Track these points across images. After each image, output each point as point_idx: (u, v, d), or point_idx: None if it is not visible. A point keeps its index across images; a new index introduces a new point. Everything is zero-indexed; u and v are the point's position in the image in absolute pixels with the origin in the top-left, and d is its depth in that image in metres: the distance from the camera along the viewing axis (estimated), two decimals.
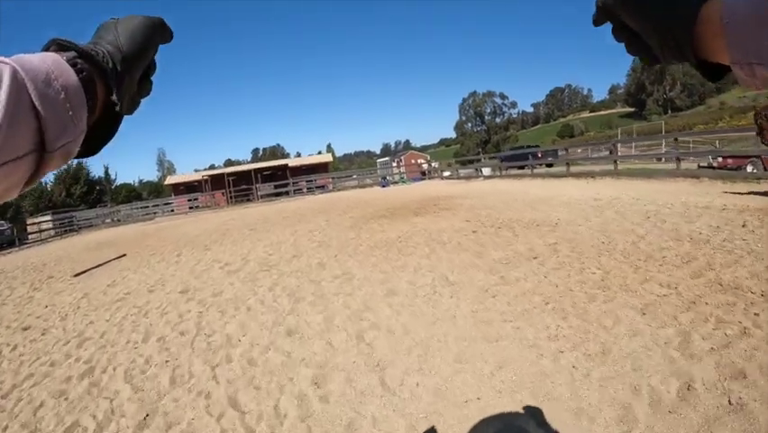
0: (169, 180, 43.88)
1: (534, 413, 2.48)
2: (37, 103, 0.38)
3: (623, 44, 0.58)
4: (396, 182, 28.84)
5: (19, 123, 0.36)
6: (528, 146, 38.04)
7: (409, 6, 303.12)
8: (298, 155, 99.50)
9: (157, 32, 0.58)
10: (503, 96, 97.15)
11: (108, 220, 33.34)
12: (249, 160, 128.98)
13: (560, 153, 33.52)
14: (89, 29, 0.58)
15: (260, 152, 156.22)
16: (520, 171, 23.70)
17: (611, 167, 18.79)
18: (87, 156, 0.52)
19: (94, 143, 0.51)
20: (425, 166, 35.39)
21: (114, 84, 0.50)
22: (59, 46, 0.47)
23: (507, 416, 2.50)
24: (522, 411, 2.52)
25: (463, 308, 3.99)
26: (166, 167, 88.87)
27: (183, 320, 4.77)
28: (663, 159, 21.02)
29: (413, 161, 48.80)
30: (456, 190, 16.15)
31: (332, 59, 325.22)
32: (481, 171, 25.12)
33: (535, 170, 20.88)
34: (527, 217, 8.06)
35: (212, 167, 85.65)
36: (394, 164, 43.66)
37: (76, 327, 5.43)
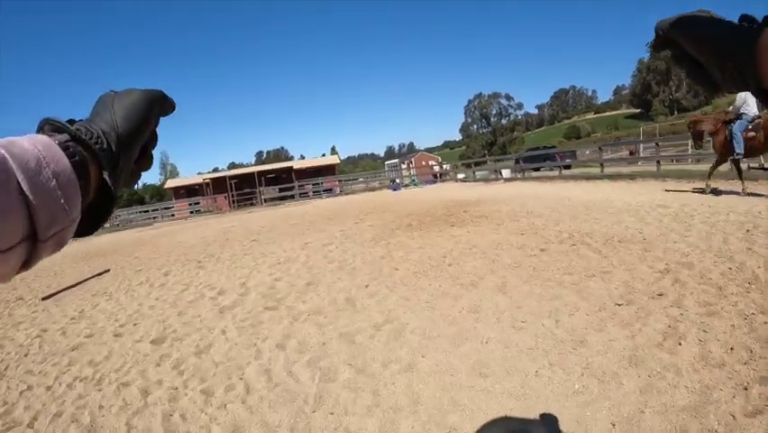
0: (170, 184, 42.30)
1: None
2: (27, 191, 0.36)
3: (683, 72, 0.56)
4: (407, 185, 27.17)
5: (7, 213, 0.35)
6: (545, 147, 36.37)
7: (412, 9, 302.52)
8: (302, 158, 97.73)
9: (155, 107, 0.55)
10: (509, 98, 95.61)
11: (107, 225, 31.82)
12: (253, 163, 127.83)
13: (577, 154, 32.31)
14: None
15: (264, 155, 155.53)
16: (545, 173, 22.17)
17: (652, 168, 17.17)
18: (83, 236, 0.49)
19: (89, 224, 0.48)
20: (437, 168, 33.72)
21: (108, 166, 0.47)
22: (51, 127, 0.45)
23: None
24: None
25: (625, 406, 2.32)
26: (168, 170, 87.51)
27: (147, 405, 3.06)
28: (690, 159, 19.36)
29: (423, 163, 47.16)
30: (479, 194, 14.52)
31: (335, 61, 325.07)
32: (501, 173, 23.45)
33: (563, 172, 19.29)
34: (597, 230, 6.44)
35: (215, 170, 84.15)
36: (404, 166, 41.86)
37: (9, 397, 3.77)
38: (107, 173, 0.47)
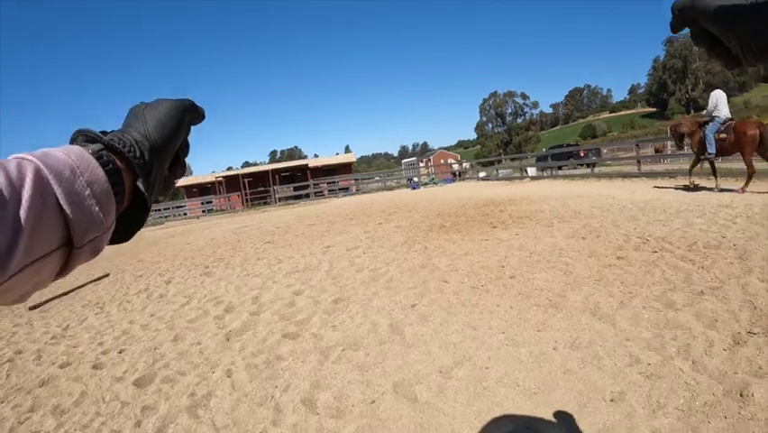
0: (182, 182, 41.51)
1: None
2: (62, 200, 0.37)
3: (703, 49, 0.56)
4: (426, 184, 26.04)
5: (45, 221, 0.36)
6: (568, 144, 35.19)
7: (426, 8, 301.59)
8: (316, 157, 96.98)
9: (186, 116, 0.55)
10: (524, 96, 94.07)
11: None
12: (266, 162, 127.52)
13: (602, 151, 31.10)
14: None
15: (278, 154, 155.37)
16: (573, 171, 21.06)
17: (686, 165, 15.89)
18: (119, 243, 0.50)
19: (124, 231, 0.49)
20: (456, 166, 32.55)
21: (141, 174, 0.47)
22: (85, 138, 0.46)
23: None
24: None
25: None
26: None
27: None
28: (720, 159, 18.15)
29: (442, 161, 45.88)
30: (510, 193, 13.43)
31: (350, 60, 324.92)
32: (526, 172, 22.29)
33: (595, 170, 18.08)
34: (670, 233, 5.47)
35: (229, 169, 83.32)
36: (422, 164, 40.63)
37: None
38: (141, 181, 0.47)
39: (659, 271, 4.12)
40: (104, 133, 0.47)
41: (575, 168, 23.02)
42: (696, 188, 9.36)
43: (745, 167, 8.43)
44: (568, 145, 33.68)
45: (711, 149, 8.74)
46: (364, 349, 3.14)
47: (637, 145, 16.32)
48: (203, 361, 3.39)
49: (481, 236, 6.56)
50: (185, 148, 0.58)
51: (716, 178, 9.04)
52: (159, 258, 9.89)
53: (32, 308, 6.78)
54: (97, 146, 0.44)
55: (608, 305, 3.44)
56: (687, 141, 9.67)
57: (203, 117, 0.59)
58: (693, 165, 9.65)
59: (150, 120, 0.51)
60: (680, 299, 3.40)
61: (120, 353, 3.95)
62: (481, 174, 26.84)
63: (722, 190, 8.59)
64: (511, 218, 8.04)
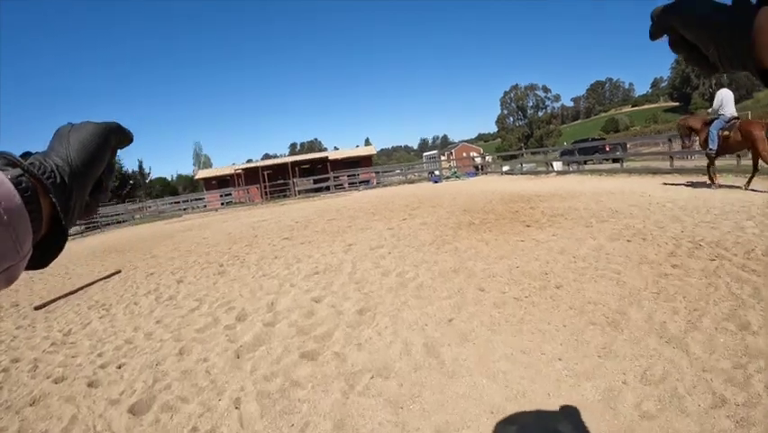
0: (200, 174, 41.51)
1: None
2: None
3: (681, 56, 0.55)
4: (448, 177, 25.44)
5: None
6: (593, 139, 34.26)
7: (447, 2, 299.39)
8: (336, 149, 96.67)
9: (110, 140, 0.53)
10: (546, 89, 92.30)
11: (138, 216, 31.24)
12: (286, 154, 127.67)
13: (628, 145, 30.13)
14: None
15: (298, 147, 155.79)
16: (599, 166, 20.32)
17: (722, 162, 15.14)
18: (35, 269, 0.46)
19: (41, 258, 0.45)
20: (479, 160, 31.83)
21: (60, 200, 0.45)
22: (5, 161, 0.43)
23: None
24: None
25: None
26: (202, 161, 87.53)
27: None
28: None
29: (464, 155, 45.16)
30: (535, 188, 12.83)
31: (370, 53, 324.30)
32: (552, 166, 21.53)
33: (624, 165, 17.34)
34: (722, 238, 4.86)
35: (249, 161, 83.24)
36: (443, 157, 39.87)
37: None
38: (60, 208, 0.45)
39: (722, 283, 3.57)
40: (26, 155, 0.46)
41: (601, 162, 22.25)
42: (710, 186, 9.15)
43: (766, 165, 8.19)
44: (593, 139, 32.68)
45: (713, 145, 8.82)
46: (396, 377, 2.64)
47: (669, 140, 15.54)
48: (208, 384, 2.93)
49: (516, 237, 6.03)
50: (108, 173, 0.54)
51: (710, 175, 9.09)
52: (172, 254, 9.55)
53: (37, 308, 6.47)
54: (17, 171, 0.42)
55: (676, 326, 2.91)
56: (695, 138, 9.80)
57: (130, 140, 0.56)
58: (710, 164, 9.42)
59: (74, 143, 0.48)
60: (754, 319, 2.88)
61: (119, 368, 3.54)
62: (504, 168, 26.17)
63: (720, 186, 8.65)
64: (544, 216, 7.49)
